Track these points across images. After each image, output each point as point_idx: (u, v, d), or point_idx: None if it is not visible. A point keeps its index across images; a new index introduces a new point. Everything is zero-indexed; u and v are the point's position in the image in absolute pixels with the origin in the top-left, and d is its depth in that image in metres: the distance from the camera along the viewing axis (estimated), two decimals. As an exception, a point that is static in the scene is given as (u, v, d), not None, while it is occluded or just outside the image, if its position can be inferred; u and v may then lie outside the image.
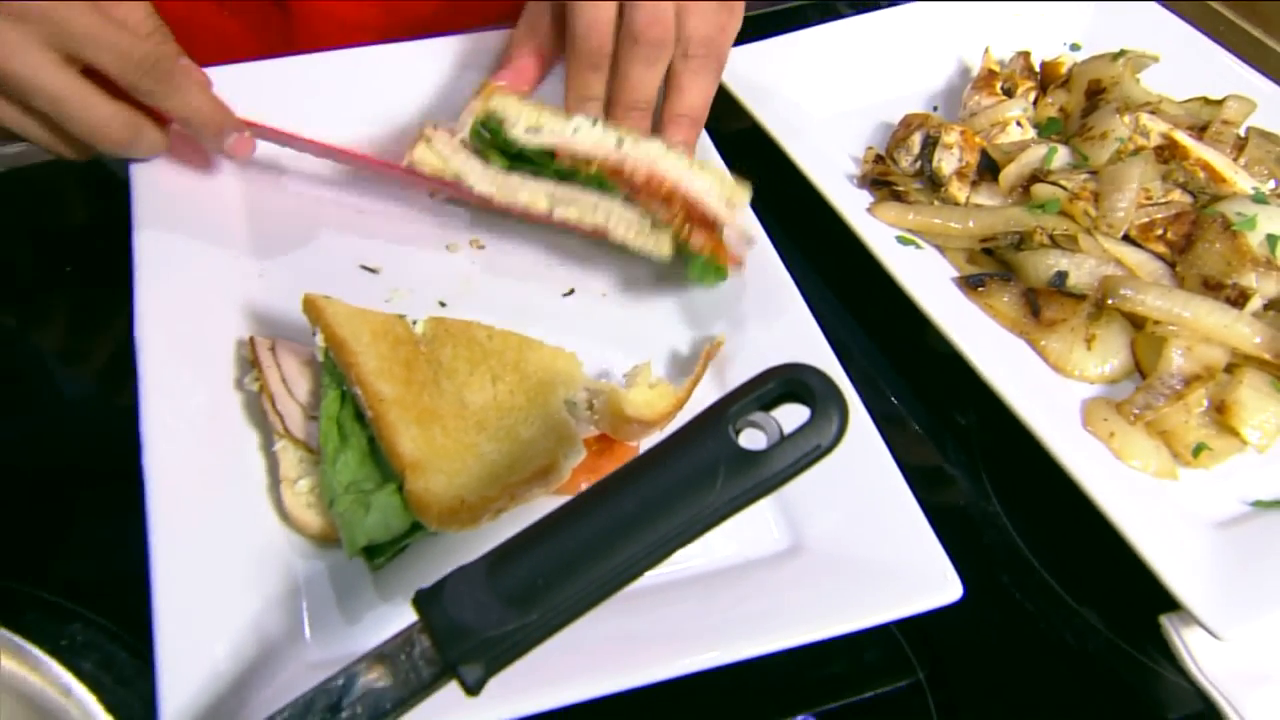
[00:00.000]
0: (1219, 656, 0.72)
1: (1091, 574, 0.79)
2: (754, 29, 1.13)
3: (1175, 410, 0.82)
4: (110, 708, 0.56)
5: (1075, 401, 0.85)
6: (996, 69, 1.10)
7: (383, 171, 0.93)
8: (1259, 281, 0.87)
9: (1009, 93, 1.07)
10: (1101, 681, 0.74)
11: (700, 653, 0.66)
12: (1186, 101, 1.06)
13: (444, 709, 0.59)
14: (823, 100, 1.11)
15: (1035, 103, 1.07)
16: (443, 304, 0.87)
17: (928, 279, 0.91)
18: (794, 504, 0.76)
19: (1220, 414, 0.82)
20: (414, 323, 0.77)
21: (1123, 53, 1.07)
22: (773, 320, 0.85)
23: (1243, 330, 0.84)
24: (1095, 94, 1.03)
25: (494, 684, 0.56)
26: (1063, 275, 0.90)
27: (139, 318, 0.79)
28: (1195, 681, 0.72)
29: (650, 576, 0.71)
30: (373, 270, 0.89)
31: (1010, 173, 0.97)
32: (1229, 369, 0.84)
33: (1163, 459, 0.81)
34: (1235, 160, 0.98)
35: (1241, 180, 0.96)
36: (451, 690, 0.53)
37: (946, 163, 0.99)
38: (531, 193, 0.86)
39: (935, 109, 1.12)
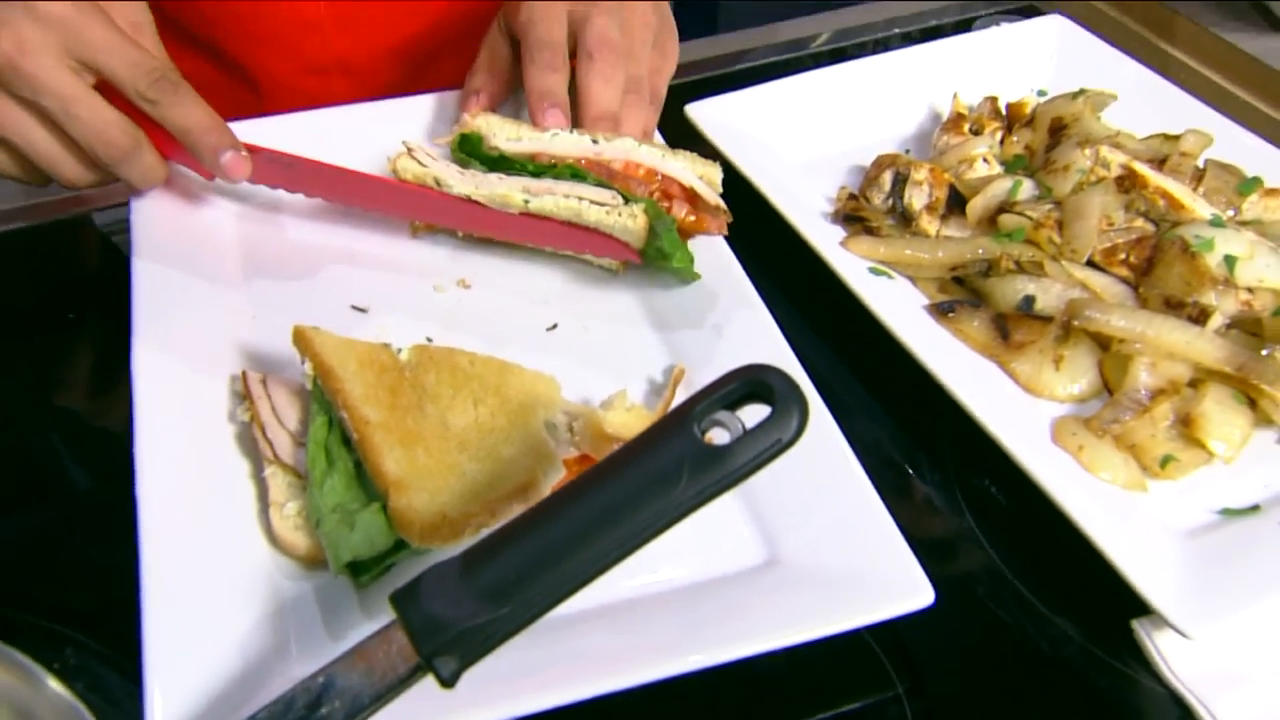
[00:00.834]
0: (1191, 659, 0.73)
1: (1064, 583, 0.80)
2: (731, 81, 1.19)
3: (1142, 424, 0.84)
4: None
5: (1045, 420, 0.87)
6: (965, 112, 1.14)
7: (370, 189, 0.95)
8: (1218, 299, 0.89)
9: (976, 133, 1.11)
10: (1078, 688, 0.75)
11: (679, 657, 0.67)
12: (1147, 138, 1.10)
13: (435, 714, 0.61)
14: (798, 147, 1.14)
15: (1002, 142, 1.11)
16: (429, 340, 0.89)
17: (900, 307, 0.94)
18: (770, 519, 0.78)
19: (1186, 427, 0.84)
20: (399, 350, 0.80)
21: (1083, 92, 1.11)
22: (741, 339, 0.88)
23: (1205, 346, 0.86)
24: (1058, 130, 1.07)
25: (478, 689, 0.57)
26: (1030, 300, 0.92)
27: (136, 353, 0.82)
28: (1169, 685, 0.73)
29: (630, 590, 0.74)
30: (362, 310, 0.92)
31: (977, 205, 1.01)
32: (1193, 384, 0.87)
33: (1131, 471, 0.83)
34: (1194, 190, 1.01)
35: (1200, 207, 0.99)
36: (443, 697, 0.55)
37: (916, 198, 1.02)
38: (508, 188, 0.91)
39: (907, 152, 1.16)
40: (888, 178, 1.04)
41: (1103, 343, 0.90)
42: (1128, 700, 0.74)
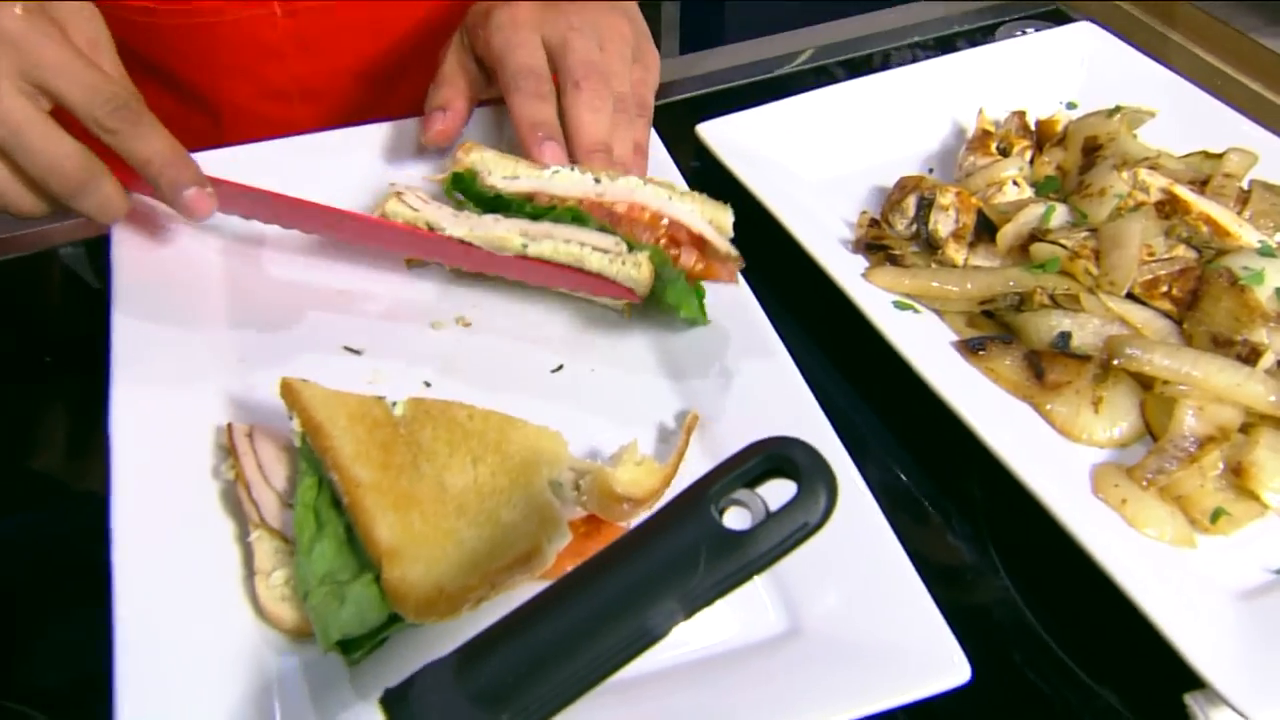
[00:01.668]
0: (1251, 739, 0.68)
1: (1109, 651, 0.74)
2: (744, 97, 1.13)
3: (1190, 474, 0.78)
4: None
5: (1084, 467, 0.82)
6: (991, 129, 1.09)
7: (355, 228, 0.90)
8: (1270, 337, 0.83)
9: (1004, 152, 1.05)
10: (1125, 766, 0.70)
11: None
12: (1186, 156, 1.04)
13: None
14: (815, 166, 1.09)
15: (1031, 162, 1.06)
16: (428, 384, 0.85)
17: (927, 344, 0.89)
18: (791, 583, 0.72)
19: (1238, 476, 0.79)
20: (393, 404, 0.75)
21: (1119, 109, 1.05)
22: (760, 386, 0.83)
23: (1256, 388, 0.80)
24: (1092, 150, 1.02)
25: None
26: (1066, 336, 0.87)
27: (113, 405, 0.77)
28: (1226, 766, 0.68)
29: (642, 663, 0.68)
30: (356, 351, 0.87)
31: (1008, 232, 0.95)
32: (1244, 429, 0.81)
33: (1179, 526, 0.77)
34: (1239, 214, 0.95)
35: (1247, 234, 0.93)
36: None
37: (942, 224, 0.97)
38: (505, 230, 0.85)
39: (930, 171, 1.11)
40: (911, 202, 0.99)
41: (1145, 382, 0.85)
42: (1181, 782, 0.69)
